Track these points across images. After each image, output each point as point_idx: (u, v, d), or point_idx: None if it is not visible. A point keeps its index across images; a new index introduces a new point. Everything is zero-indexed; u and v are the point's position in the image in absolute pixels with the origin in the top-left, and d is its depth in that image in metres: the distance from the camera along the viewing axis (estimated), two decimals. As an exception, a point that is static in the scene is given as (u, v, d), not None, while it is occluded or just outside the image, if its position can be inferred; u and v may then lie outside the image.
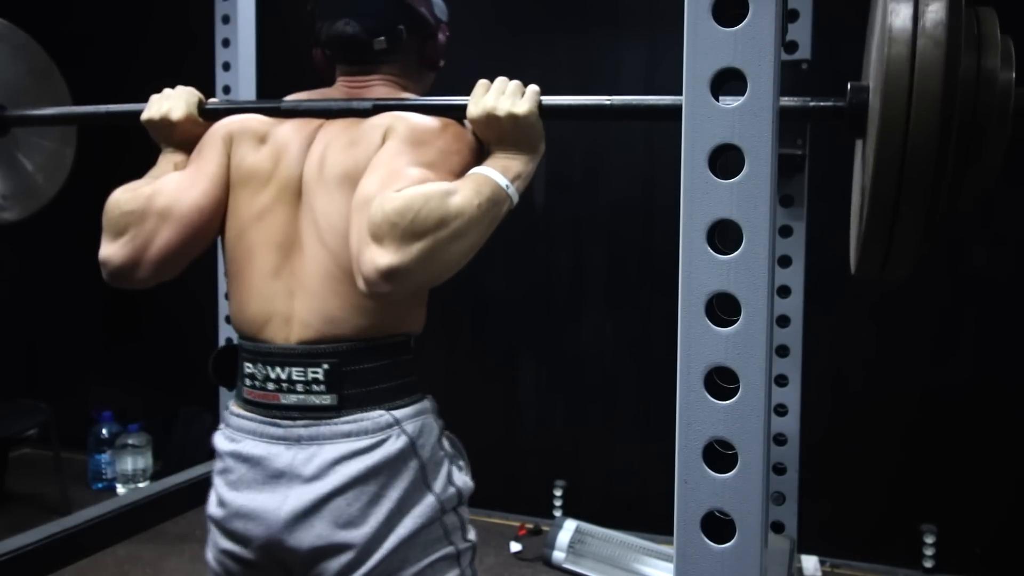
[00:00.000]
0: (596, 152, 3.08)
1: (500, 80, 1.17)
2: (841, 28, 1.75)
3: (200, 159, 1.23)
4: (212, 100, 1.34)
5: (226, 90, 2.14)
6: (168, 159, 1.30)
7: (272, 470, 1.12)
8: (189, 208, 1.18)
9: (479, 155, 1.19)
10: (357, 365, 1.13)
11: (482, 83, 1.17)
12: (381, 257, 1.00)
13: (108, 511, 1.90)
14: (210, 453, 1.24)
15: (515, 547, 2.95)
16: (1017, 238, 2.58)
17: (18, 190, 1.77)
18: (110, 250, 1.18)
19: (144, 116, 1.31)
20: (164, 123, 1.29)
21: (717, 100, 0.69)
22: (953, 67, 0.77)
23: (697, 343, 0.70)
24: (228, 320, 1.23)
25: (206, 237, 1.22)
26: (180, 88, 1.34)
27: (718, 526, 0.70)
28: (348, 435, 1.11)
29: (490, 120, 1.14)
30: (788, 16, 1.90)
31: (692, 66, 0.70)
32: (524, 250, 3.13)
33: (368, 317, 1.13)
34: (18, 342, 4.06)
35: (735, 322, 0.69)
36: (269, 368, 1.14)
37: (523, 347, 3.25)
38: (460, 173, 1.13)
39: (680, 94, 0.71)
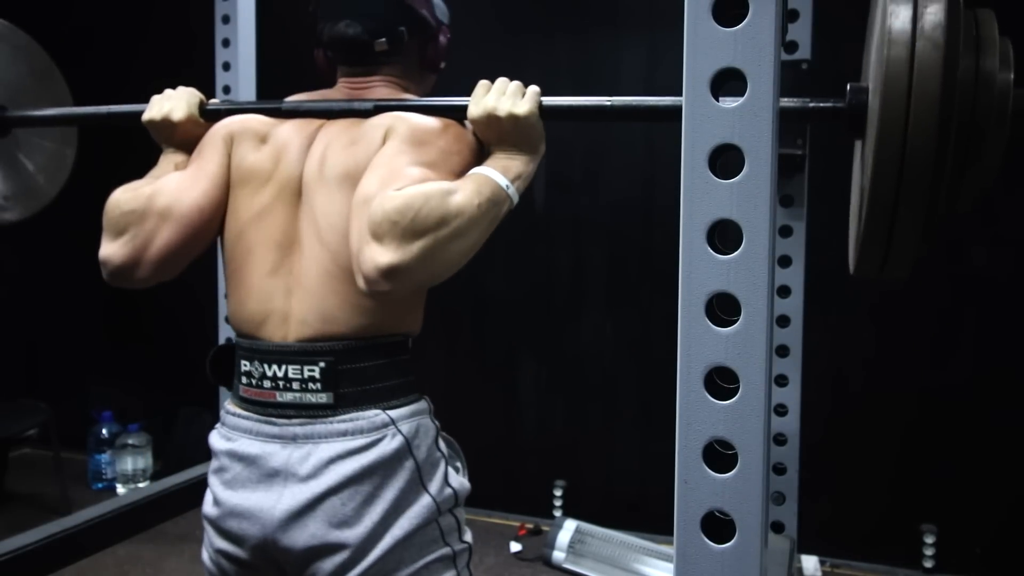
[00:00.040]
0: (596, 152, 3.08)
1: (501, 81, 1.17)
2: (841, 28, 1.75)
3: (201, 159, 1.24)
4: (213, 101, 1.34)
5: (226, 90, 2.14)
6: (169, 159, 1.31)
7: (267, 469, 1.12)
8: (189, 208, 1.18)
9: (480, 155, 1.19)
10: (354, 364, 1.13)
11: (483, 84, 1.18)
12: (381, 255, 1.00)
13: (108, 511, 1.90)
14: (210, 453, 1.24)
15: (515, 547, 2.95)
16: (1017, 238, 2.58)
17: (19, 191, 1.77)
18: (110, 250, 1.18)
19: (145, 117, 1.32)
20: (165, 124, 1.30)
21: (717, 100, 0.69)
22: (952, 68, 0.77)
23: (697, 343, 0.70)
24: (228, 320, 1.23)
25: (206, 237, 1.22)
26: (181, 89, 1.34)
27: (718, 526, 0.70)
28: (344, 434, 1.11)
29: (491, 120, 1.14)
30: (788, 16, 1.90)
31: (692, 66, 0.70)
32: (524, 250, 3.13)
33: (366, 316, 1.13)
34: (18, 342, 4.06)
35: (735, 322, 0.69)
36: (266, 366, 1.14)
37: (523, 347, 3.25)
38: (461, 173, 1.13)
39: (680, 94, 0.72)
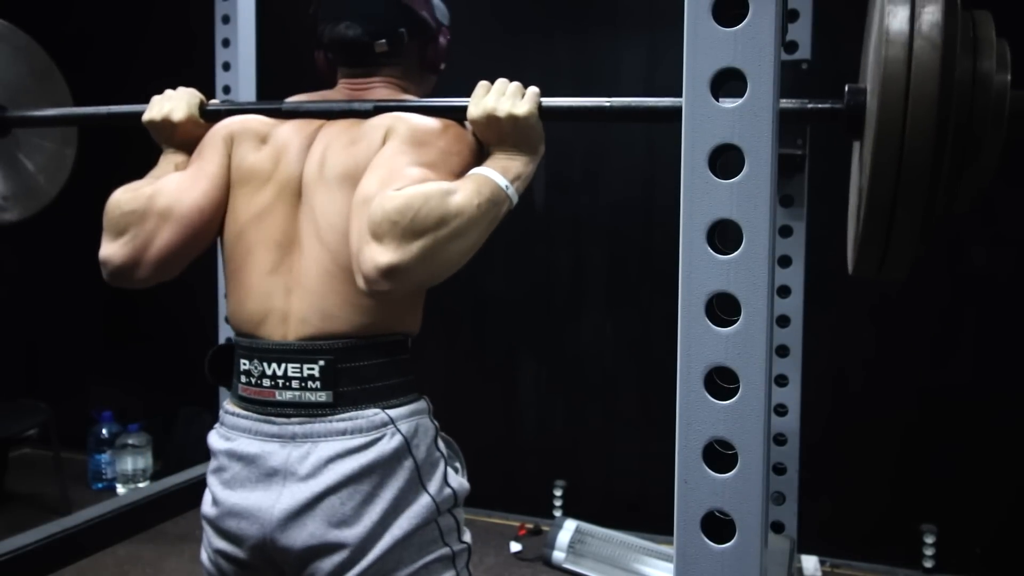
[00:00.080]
0: (596, 152, 3.08)
1: (500, 82, 1.18)
2: (841, 28, 1.75)
3: (201, 160, 1.24)
4: (213, 101, 1.34)
5: (226, 90, 2.14)
6: (169, 160, 1.31)
7: (266, 468, 1.12)
8: (189, 208, 1.18)
9: (479, 156, 1.19)
10: (353, 362, 1.13)
11: (482, 84, 1.18)
12: (381, 255, 1.00)
13: (108, 511, 1.90)
14: (210, 453, 1.24)
15: (515, 547, 2.95)
16: (1016, 238, 2.58)
17: (19, 191, 1.77)
18: (110, 250, 1.18)
19: (145, 117, 1.32)
20: (165, 124, 1.30)
21: (717, 100, 0.69)
22: (949, 68, 0.78)
23: (697, 343, 0.70)
24: (227, 320, 1.23)
25: (206, 237, 1.22)
26: (181, 89, 1.34)
27: (718, 526, 0.70)
28: (343, 433, 1.11)
29: (490, 121, 1.15)
30: (788, 16, 1.90)
31: (692, 66, 0.70)
32: (524, 250, 3.13)
33: (366, 315, 1.13)
34: (18, 342, 4.06)
35: (735, 322, 0.69)
36: (265, 364, 1.14)
37: (523, 347, 3.25)
38: (460, 174, 1.13)
39: (680, 95, 0.72)
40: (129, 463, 3.50)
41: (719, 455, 0.70)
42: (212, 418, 1.23)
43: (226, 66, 2.14)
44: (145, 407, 3.74)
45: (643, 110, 1.15)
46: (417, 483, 1.13)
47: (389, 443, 1.11)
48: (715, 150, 0.70)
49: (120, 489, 3.49)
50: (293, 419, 1.12)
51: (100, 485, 3.55)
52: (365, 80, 1.28)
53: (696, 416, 0.70)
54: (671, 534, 0.72)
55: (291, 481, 1.11)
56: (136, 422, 3.56)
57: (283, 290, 1.15)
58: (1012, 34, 0.96)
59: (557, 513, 3.10)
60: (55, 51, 1.84)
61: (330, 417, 1.11)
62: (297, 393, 1.12)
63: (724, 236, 0.71)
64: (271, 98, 1.30)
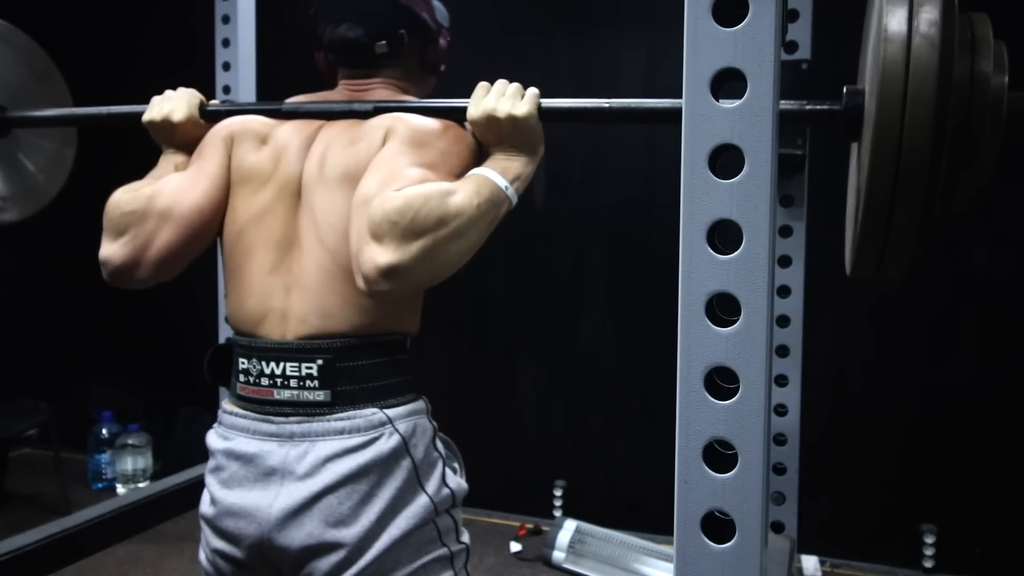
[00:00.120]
0: (596, 152, 3.08)
1: (500, 82, 1.18)
2: (841, 28, 1.75)
3: (201, 160, 1.24)
4: (213, 102, 1.35)
5: (226, 90, 2.14)
6: (169, 160, 1.31)
7: (265, 467, 1.12)
8: (189, 209, 1.19)
9: (479, 157, 1.19)
10: (351, 361, 1.13)
11: (482, 85, 1.18)
12: (381, 255, 1.00)
13: (108, 511, 1.90)
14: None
15: (515, 547, 2.95)
16: (1016, 238, 2.58)
17: (19, 191, 1.77)
18: (110, 250, 1.18)
19: (145, 118, 1.32)
20: (165, 124, 1.30)
21: (717, 100, 0.70)
22: (947, 69, 0.78)
23: (697, 343, 0.70)
24: (227, 319, 1.23)
25: (206, 237, 1.22)
26: (181, 90, 1.34)
27: (718, 526, 0.70)
28: (341, 432, 1.11)
29: (490, 122, 1.15)
30: (788, 16, 1.90)
31: (692, 66, 0.70)
32: (524, 250, 3.13)
33: (365, 314, 1.13)
34: (18, 342, 4.06)
35: (735, 322, 0.69)
36: (264, 363, 1.14)
37: (523, 347, 3.25)
38: (460, 174, 1.13)
39: (680, 95, 0.72)
40: (129, 463, 3.50)
41: (719, 455, 0.70)
42: (212, 418, 1.23)
43: (226, 66, 2.14)
44: (145, 407, 3.74)
45: (643, 111, 1.15)
46: (415, 483, 1.13)
47: (387, 443, 1.11)
48: (715, 150, 0.70)
49: (120, 489, 3.49)
50: (291, 418, 1.12)
51: (100, 485, 3.55)
52: (365, 81, 1.28)
53: (696, 416, 0.70)
54: (671, 534, 0.72)
55: (289, 480, 1.11)
56: (136, 422, 3.56)
57: (282, 290, 1.16)
58: (1009, 36, 0.96)
59: (557, 513, 3.10)
60: (55, 51, 1.84)
61: (328, 416, 1.11)
62: (295, 392, 1.12)
63: (724, 236, 0.71)
64: (271, 98, 1.30)
